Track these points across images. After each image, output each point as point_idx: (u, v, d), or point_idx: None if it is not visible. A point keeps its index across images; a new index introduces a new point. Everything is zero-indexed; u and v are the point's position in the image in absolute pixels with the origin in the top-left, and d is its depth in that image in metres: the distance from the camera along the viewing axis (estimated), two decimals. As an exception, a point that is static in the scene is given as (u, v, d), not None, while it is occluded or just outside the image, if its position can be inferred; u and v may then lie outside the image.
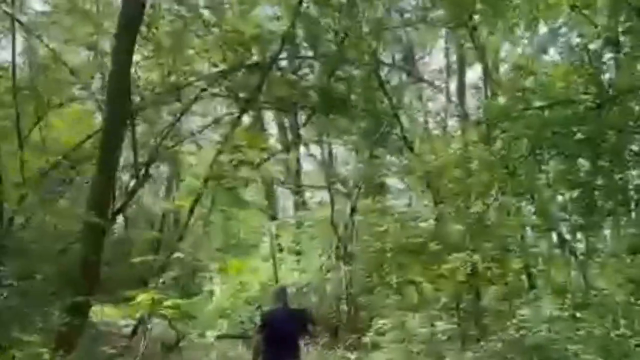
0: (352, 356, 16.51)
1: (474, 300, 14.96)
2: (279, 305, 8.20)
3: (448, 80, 22.12)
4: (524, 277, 15.62)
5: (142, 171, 13.02)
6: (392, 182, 21.44)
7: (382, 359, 15.74)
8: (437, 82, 21.37)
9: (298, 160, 23.23)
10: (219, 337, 20.01)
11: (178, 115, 14.28)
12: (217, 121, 17.88)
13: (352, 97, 17.06)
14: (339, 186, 20.69)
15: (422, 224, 15.27)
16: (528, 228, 14.99)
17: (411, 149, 16.18)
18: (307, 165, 24.70)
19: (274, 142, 25.25)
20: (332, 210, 19.59)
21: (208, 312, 21.74)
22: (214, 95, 16.42)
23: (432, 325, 15.30)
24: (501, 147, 13.08)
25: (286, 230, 21.58)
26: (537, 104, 12.97)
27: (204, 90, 15.29)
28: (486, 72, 18.74)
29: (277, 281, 19.34)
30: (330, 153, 23.23)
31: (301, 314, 8.60)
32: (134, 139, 11.81)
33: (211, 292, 21.30)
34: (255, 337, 8.20)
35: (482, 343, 13.63)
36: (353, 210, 19.54)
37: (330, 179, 20.54)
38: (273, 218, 21.79)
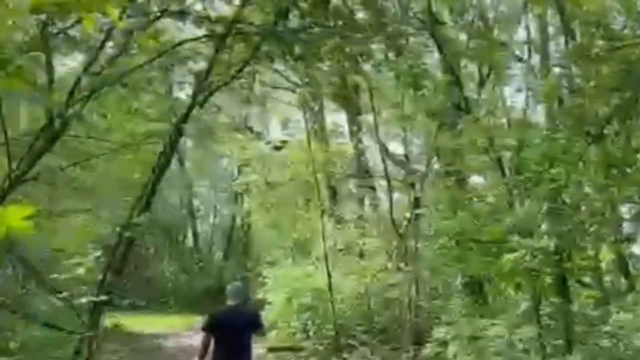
0: (412, 371, 13.91)
1: (563, 302, 11.98)
2: (233, 304, 8.02)
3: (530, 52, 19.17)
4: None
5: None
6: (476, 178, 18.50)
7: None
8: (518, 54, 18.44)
9: (361, 152, 20.73)
10: (270, 350, 17.83)
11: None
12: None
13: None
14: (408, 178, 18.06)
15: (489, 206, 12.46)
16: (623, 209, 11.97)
17: (467, 112, 13.38)
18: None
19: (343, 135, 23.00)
20: (390, 204, 17.00)
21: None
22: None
23: (508, 332, 12.53)
24: (581, 102, 10.22)
25: (345, 229, 19.11)
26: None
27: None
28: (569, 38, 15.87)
29: (330, 287, 16.92)
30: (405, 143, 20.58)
31: (253, 315, 8.43)
32: (49, 75, 8.96)
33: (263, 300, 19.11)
34: (203, 335, 7.96)
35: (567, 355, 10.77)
36: (417, 202, 16.88)
37: (388, 167, 17.94)
38: (333, 216, 19.35)
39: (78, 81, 9.92)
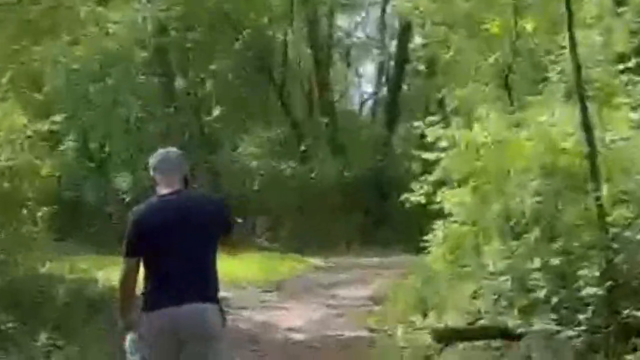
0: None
1: None
2: (167, 191, 3.54)
3: None
4: None
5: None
6: None
7: None
8: None
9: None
10: (436, 336, 6.75)
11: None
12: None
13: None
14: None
15: None
16: None
17: None
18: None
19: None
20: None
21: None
22: None
23: None
24: None
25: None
26: None
27: None
28: None
29: (593, 156, 5.17)
30: None
31: (212, 206, 3.67)
32: None
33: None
34: (125, 260, 3.55)
35: None
36: None
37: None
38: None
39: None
